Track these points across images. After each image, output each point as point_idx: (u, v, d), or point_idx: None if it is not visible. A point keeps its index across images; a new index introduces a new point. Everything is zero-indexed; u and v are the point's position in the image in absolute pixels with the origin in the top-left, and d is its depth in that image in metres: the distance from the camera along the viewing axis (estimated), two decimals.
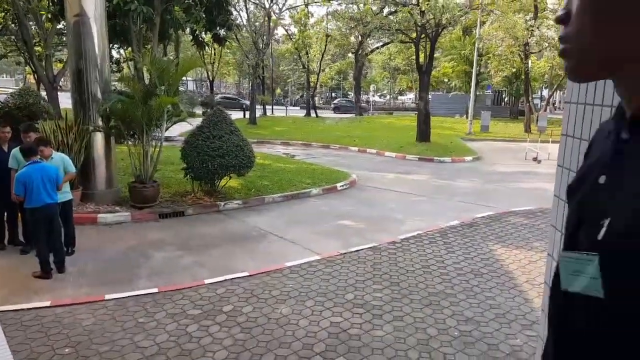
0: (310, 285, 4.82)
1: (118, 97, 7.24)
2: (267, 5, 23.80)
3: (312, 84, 32.45)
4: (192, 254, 5.90)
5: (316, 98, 41.96)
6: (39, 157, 5.09)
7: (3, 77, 46.30)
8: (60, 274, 5.09)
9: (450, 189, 10.30)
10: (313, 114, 31.15)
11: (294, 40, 30.28)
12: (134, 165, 7.59)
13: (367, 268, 5.30)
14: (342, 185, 9.87)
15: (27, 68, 23.44)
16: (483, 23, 21.71)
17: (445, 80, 38.51)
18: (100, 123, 7.51)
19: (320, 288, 4.75)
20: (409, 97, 45.69)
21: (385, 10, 21.15)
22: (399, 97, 48.59)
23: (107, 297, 4.49)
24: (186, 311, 4.23)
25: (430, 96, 26.52)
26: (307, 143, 17.85)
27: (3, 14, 16.77)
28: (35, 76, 16.66)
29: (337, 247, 6.10)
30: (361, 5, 20.61)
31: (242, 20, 26.11)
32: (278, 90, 50.44)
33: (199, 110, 12.17)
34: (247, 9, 24.27)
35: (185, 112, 7.24)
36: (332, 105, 42.03)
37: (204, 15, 11.45)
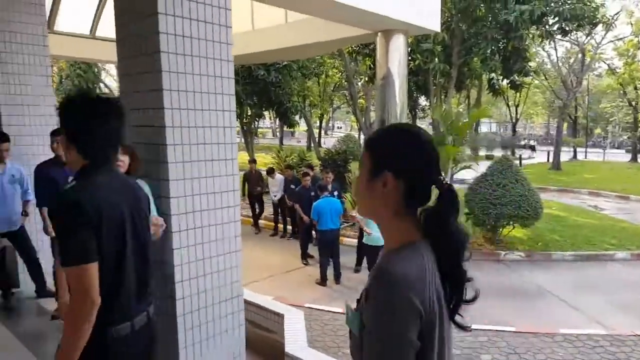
0: None
1: None
2: (583, 40, 21.35)
3: None
4: None
5: None
6: (327, 193, 6.76)
7: (338, 123, 59.03)
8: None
9: None
10: None
11: (617, 74, 25.70)
12: None
13: None
14: None
15: (352, 117, 29.63)
16: None
17: None
18: None
19: None
20: None
21: None
22: None
23: None
24: None
25: None
26: (623, 195, 14.84)
27: (339, 74, 21.95)
28: (358, 124, 20.54)
29: (634, 326, 5.04)
30: None
31: (550, 60, 24.39)
32: (597, 130, 43.58)
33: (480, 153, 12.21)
34: (555, 49, 22.55)
35: (467, 160, 7.61)
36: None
37: (500, 64, 11.60)
